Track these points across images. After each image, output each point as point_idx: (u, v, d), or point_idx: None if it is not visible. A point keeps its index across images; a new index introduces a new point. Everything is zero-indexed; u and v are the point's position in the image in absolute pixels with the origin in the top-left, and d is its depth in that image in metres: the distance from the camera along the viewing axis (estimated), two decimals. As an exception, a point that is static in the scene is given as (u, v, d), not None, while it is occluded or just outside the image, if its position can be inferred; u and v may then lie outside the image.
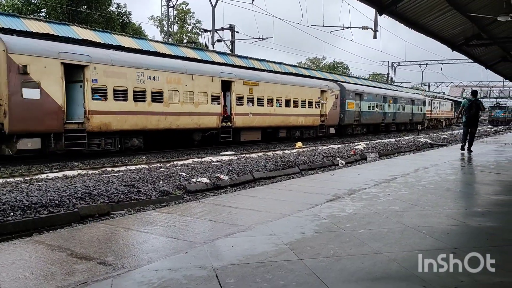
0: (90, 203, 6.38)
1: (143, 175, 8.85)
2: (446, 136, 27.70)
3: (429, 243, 3.78)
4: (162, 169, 10.11)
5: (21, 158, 12.36)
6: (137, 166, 11.21)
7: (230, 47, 28.55)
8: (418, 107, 42.55)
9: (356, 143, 20.52)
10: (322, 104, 25.54)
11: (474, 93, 13.64)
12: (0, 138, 11.92)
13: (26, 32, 14.88)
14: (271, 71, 25.02)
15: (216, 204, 5.32)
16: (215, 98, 17.73)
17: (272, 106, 21.23)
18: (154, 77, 15.36)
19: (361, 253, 3.50)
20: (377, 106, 33.33)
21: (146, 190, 7.32)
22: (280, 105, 21.84)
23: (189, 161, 12.47)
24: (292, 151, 16.46)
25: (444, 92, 76.94)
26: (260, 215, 4.73)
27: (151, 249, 3.55)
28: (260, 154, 14.95)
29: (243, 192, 6.66)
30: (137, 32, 38.08)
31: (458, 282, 2.99)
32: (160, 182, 8.29)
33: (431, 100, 47.80)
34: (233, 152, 16.06)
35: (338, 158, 13.98)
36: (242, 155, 14.49)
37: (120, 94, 14.28)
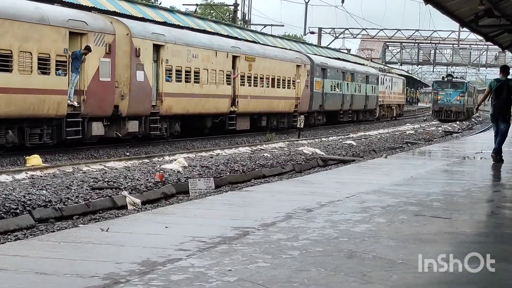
0: None
1: None
2: (354, 143, 30.30)
3: None
4: None
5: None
6: None
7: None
8: (372, 87, 60.60)
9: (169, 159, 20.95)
10: (297, 83, 44.94)
11: (504, 69, 17.63)
12: None
13: None
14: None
15: None
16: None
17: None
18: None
19: None
20: (337, 85, 52.53)
21: None
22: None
23: None
24: (18, 176, 16.09)
25: (350, 50, 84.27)
26: None
27: None
28: None
29: None
30: None
31: None
32: None
33: (384, 77, 65.75)
34: None
35: (126, 193, 14.10)
36: None
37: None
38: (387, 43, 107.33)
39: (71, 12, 25.37)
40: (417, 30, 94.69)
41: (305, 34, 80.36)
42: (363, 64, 67.08)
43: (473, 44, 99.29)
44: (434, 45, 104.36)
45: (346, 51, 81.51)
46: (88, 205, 12.91)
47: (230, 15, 68.93)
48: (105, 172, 17.44)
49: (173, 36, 30.88)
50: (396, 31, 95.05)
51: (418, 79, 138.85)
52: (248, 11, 65.73)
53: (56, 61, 23.40)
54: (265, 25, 67.87)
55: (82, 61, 24.36)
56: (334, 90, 51.34)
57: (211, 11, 78.85)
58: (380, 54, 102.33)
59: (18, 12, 22.41)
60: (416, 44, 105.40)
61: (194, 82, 32.14)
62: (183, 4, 62.34)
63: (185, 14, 47.28)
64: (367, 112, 61.08)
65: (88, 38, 24.63)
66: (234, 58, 36.75)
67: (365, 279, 6.01)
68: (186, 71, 31.35)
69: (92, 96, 24.91)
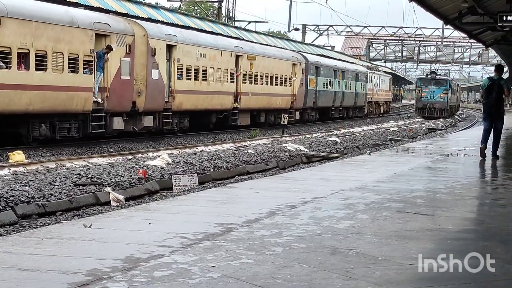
0: None
1: None
2: (338, 140, 30.33)
3: None
4: None
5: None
6: None
7: None
8: (361, 84, 64.31)
9: (152, 156, 20.90)
10: (293, 81, 47.82)
11: (497, 68, 18.09)
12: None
13: None
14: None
15: None
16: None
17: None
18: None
19: None
20: (329, 83, 56.04)
21: None
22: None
23: None
24: (0, 172, 16.08)
25: (334, 47, 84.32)
26: None
27: None
28: None
29: None
30: None
31: None
32: None
33: (372, 75, 69.45)
34: None
35: (109, 189, 14.06)
36: None
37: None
38: (371, 40, 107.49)
39: (96, 15, 28.13)
40: (401, 27, 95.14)
41: (289, 31, 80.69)
42: (352, 62, 68.98)
43: (456, 42, 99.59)
44: (418, 42, 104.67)
45: (330, 48, 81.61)
46: (71, 201, 12.81)
47: (215, 11, 68.82)
48: (89, 169, 17.37)
49: (183, 36, 33.73)
50: (380, 28, 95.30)
51: (402, 76, 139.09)
52: (233, 7, 65.76)
53: (84, 60, 25.87)
54: (249, 22, 67.96)
55: (105, 60, 26.80)
56: (327, 88, 54.53)
57: (195, 8, 78.76)
58: (364, 51, 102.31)
59: (52, 16, 24.68)
60: (400, 41, 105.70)
61: (202, 80, 35.04)
62: (168, 0, 62.27)
63: (170, 10, 47.21)
64: (356, 108, 64.07)
65: (111, 39, 27.21)
66: (237, 57, 39.79)
67: (348, 275, 6.02)
68: (195, 70, 34.23)
69: (114, 93, 27.58)
